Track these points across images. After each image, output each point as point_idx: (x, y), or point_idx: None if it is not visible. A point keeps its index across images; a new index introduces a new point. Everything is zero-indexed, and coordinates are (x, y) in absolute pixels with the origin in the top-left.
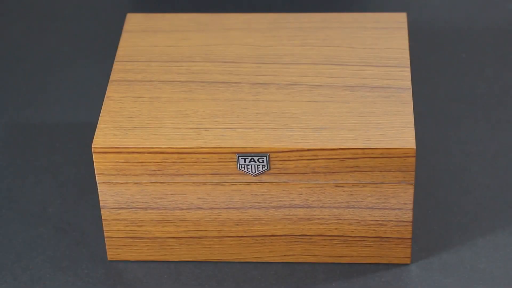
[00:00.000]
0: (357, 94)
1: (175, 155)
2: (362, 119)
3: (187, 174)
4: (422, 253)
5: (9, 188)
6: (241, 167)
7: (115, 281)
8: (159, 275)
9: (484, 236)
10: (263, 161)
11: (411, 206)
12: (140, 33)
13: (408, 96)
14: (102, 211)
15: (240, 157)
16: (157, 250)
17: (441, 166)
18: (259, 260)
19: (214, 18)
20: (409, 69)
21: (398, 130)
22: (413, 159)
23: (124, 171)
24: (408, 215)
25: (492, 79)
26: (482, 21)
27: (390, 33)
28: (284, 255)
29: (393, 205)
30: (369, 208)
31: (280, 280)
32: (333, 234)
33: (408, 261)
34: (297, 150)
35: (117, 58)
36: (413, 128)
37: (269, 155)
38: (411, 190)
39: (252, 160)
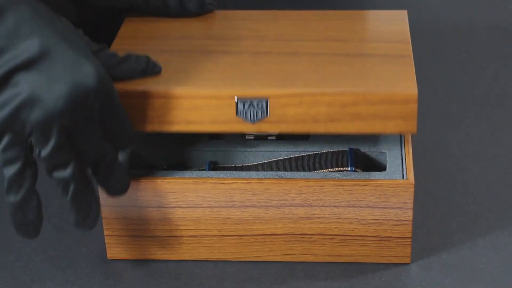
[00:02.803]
0: (358, 59)
1: (173, 100)
2: (363, 73)
3: (184, 122)
4: (422, 253)
5: None
6: (240, 113)
7: (115, 280)
8: (159, 274)
9: (484, 236)
10: (262, 106)
11: (411, 205)
12: (140, 22)
13: (410, 61)
14: (102, 209)
15: (239, 102)
16: (157, 249)
17: (441, 166)
18: (259, 259)
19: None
20: (409, 44)
21: (400, 79)
22: (415, 106)
23: None
24: (408, 214)
25: (492, 79)
26: (482, 21)
27: (391, 23)
28: (284, 254)
29: (393, 204)
30: (369, 207)
31: (280, 280)
32: (333, 233)
33: (408, 260)
34: (297, 95)
35: (116, 40)
36: (415, 79)
37: (268, 100)
38: (411, 189)
39: (251, 105)
